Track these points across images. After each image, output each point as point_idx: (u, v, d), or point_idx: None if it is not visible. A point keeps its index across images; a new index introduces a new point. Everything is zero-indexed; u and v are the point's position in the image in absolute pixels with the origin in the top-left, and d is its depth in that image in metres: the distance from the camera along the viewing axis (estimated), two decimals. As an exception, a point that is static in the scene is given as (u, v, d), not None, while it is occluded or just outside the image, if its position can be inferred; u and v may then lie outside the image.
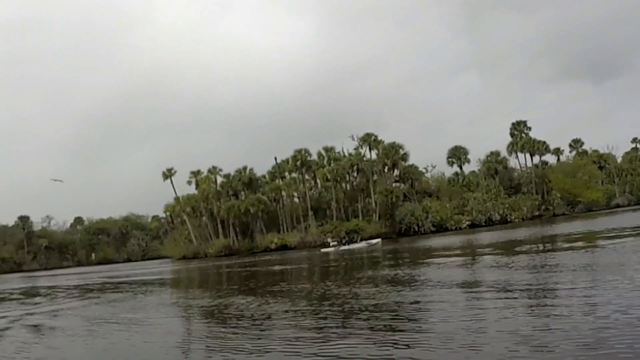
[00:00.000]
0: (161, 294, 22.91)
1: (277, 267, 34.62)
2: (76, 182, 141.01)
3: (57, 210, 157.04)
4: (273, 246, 73.24)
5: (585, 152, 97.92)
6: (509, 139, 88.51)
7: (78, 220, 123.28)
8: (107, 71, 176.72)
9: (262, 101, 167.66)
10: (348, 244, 55.52)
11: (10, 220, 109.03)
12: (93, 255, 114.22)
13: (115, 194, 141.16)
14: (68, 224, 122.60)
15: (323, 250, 54.52)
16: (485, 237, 44.56)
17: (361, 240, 59.41)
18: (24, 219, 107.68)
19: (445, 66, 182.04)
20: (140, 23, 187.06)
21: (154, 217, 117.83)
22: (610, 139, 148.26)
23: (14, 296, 29.18)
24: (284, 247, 72.17)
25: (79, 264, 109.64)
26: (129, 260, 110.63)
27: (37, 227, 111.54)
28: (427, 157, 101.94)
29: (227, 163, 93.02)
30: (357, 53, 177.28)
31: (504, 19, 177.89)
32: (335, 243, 57.38)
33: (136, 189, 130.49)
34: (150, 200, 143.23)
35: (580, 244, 24.16)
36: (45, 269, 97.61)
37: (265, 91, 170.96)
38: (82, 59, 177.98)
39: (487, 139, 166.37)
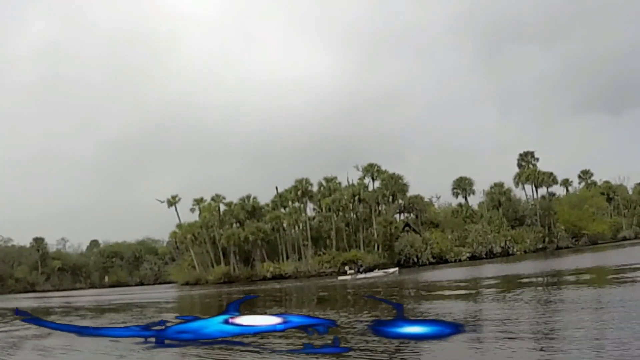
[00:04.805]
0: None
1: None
2: (98, 206, 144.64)
3: (77, 232, 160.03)
4: (269, 275, 74.02)
5: (594, 183, 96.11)
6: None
7: (94, 243, 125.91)
8: (132, 100, 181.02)
9: (284, 131, 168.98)
10: (365, 273, 56.26)
11: (26, 241, 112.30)
12: (106, 277, 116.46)
13: (136, 218, 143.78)
14: (84, 247, 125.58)
15: (340, 278, 55.65)
16: (487, 270, 45.32)
17: (378, 269, 59.84)
18: (38, 241, 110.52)
19: (463, 99, 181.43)
20: (165, 55, 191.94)
21: (168, 242, 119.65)
22: (627, 170, 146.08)
23: None
24: (280, 276, 72.88)
25: (92, 286, 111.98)
26: (141, 283, 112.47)
27: (52, 249, 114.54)
28: (442, 189, 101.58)
29: (246, 191, 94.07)
30: (378, 85, 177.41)
31: (521, 52, 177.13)
32: (352, 271, 58.20)
33: (156, 214, 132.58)
34: (168, 225, 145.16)
35: (578, 279, 24.81)
36: (57, 290, 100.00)
37: (287, 121, 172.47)
38: (109, 88, 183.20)
39: (502, 171, 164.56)
